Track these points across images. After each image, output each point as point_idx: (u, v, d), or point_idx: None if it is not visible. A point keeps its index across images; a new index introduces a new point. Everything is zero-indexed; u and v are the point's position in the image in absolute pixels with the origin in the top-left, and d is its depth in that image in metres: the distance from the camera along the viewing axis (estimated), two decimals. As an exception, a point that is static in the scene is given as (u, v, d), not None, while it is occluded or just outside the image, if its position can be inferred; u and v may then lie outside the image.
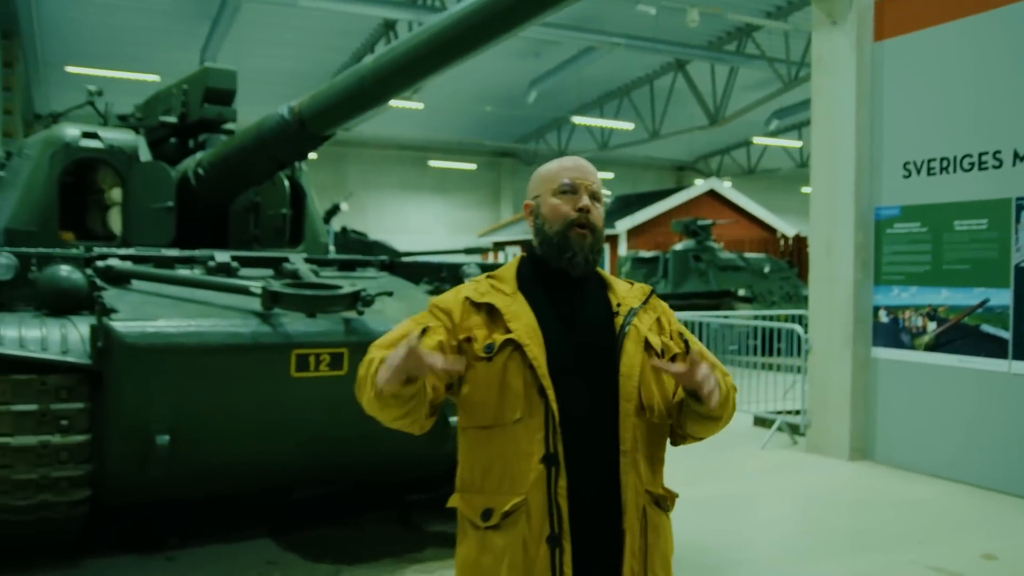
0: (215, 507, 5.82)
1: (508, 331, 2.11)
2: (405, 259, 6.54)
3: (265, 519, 5.64)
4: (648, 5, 15.86)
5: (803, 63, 18.41)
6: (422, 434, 2.23)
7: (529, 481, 2.06)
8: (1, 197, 6.29)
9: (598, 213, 2.22)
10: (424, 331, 2.10)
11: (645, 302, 2.27)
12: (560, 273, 2.21)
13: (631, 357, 2.15)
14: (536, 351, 2.08)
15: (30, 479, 3.96)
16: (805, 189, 33.63)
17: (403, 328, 2.19)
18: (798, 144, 29.61)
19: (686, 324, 9.95)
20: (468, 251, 7.71)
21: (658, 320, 2.27)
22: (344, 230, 20.13)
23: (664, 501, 2.24)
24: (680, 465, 7.64)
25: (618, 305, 2.22)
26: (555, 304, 2.20)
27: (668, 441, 2.33)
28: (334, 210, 18.59)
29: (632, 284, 2.32)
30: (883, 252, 7.70)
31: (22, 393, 3.95)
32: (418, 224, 30.46)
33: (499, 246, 28.43)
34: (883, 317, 7.67)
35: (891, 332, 7.60)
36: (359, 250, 8.22)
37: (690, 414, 2.20)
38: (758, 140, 28.43)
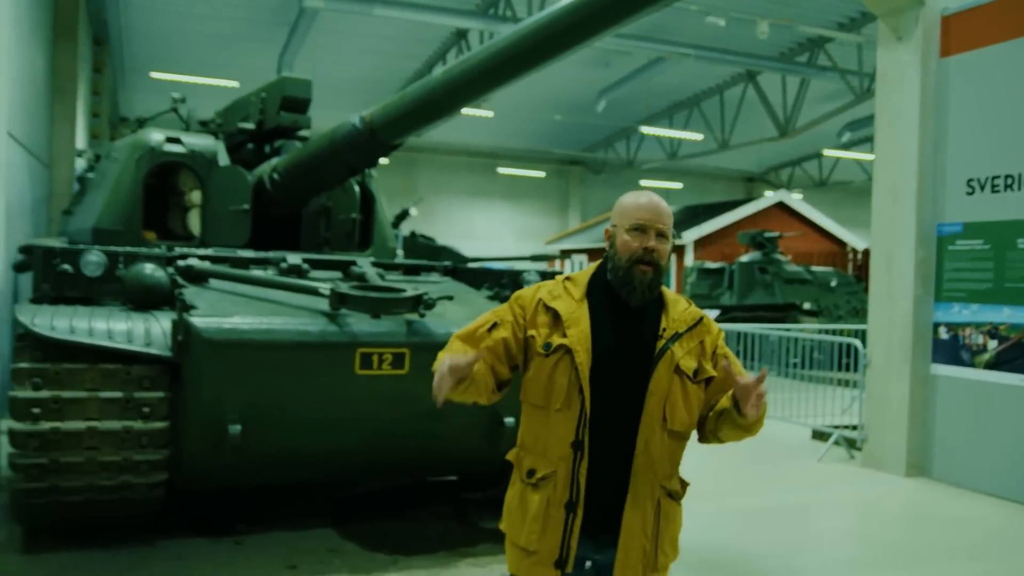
0: (280, 496, 6.12)
1: (565, 336, 2.50)
2: (470, 265, 6.71)
3: (327, 510, 5.90)
4: (717, 16, 15.86)
5: (876, 75, 18.15)
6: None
7: (560, 457, 2.51)
8: (91, 197, 6.68)
9: (663, 250, 2.54)
10: (494, 326, 2.58)
11: (692, 328, 2.57)
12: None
13: (660, 377, 2.50)
14: (583, 357, 2.47)
15: (114, 461, 4.28)
16: (877, 202, 33.21)
17: (482, 320, 2.64)
18: (871, 157, 29.08)
19: (746, 336, 9.99)
20: (534, 258, 7.85)
21: (701, 343, 2.59)
22: (413, 234, 20.44)
23: (677, 494, 2.65)
24: (735, 474, 7.79)
25: (664, 329, 2.55)
26: (612, 317, 2.55)
27: (698, 439, 2.74)
28: (403, 215, 18.89)
29: (689, 305, 2.63)
30: (944, 269, 7.67)
31: (109, 381, 4.27)
32: (486, 230, 30.74)
33: (566, 254, 28.57)
34: (943, 334, 7.64)
35: (951, 349, 7.57)
36: (427, 254, 8.39)
37: (729, 422, 2.56)
38: (829, 152, 28.04)
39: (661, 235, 2.53)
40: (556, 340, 2.50)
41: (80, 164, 12.67)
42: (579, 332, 2.49)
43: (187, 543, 5.11)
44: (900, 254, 7.88)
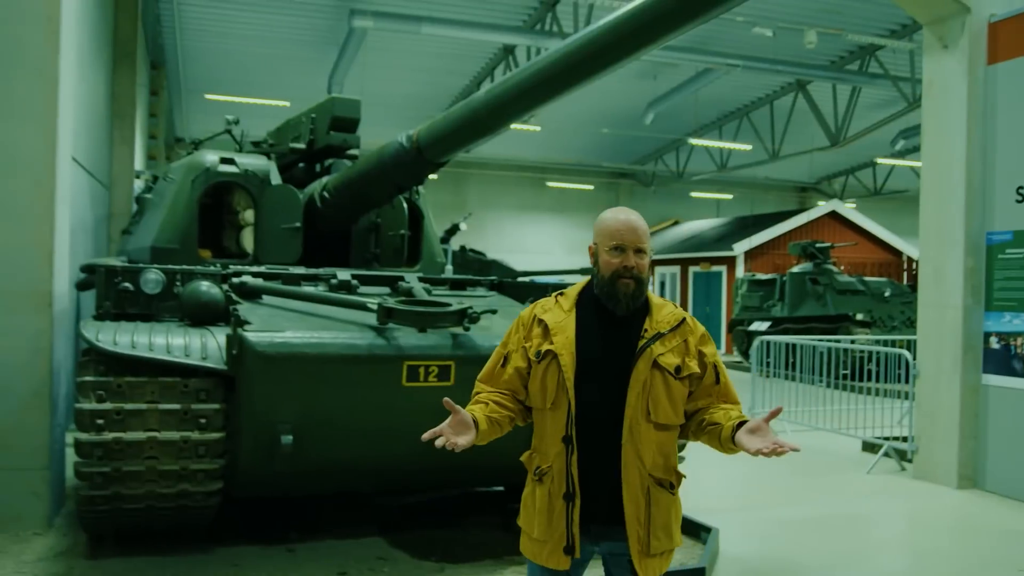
0: (330, 505, 6.27)
1: (552, 343, 2.79)
2: (520, 279, 6.75)
3: (376, 519, 6.04)
4: (764, 27, 15.81)
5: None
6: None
7: (554, 453, 2.78)
8: (149, 217, 6.92)
9: (642, 264, 2.80)
10: (505, 360, 2.92)
11: (675, 328, 2.81)
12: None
13: (639, 373, 2.74)
14: (567, 360, 2.75)
15: (172, 470, 4.46)
16: (934, 211, 32.57)
17: (495, 357, 2.98)
18: (926, 164, 28.61)
19: (794, 348, 9.92)
20: (584, 271, 7.90)
21: (685, 342, 2.83)
22: (463, 249, 20.67)
23: (667, 483, 2.81)
24: (784, 485, 7.79)
25: (645, 331, 2.79)
26: (598, 324, 2.83)
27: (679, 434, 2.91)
28: (453, 230, 19.11)
29: (675, 309, 2.88)
30: (994, 278, 7.59)
31: (168, 394, 4.46)
32: (536, 244, 30.85)
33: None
34: (994, 344, 7.56)
35: (1002, 359, 7.48)
36: (477, 269, 8.55)
37: (714, 437, 2.81)
38: (883, 161, 27.64)
39: (639, 251, 2.78)
40: (544, 347, 2.80)
41: (138, 185, 13.09)
42: (564, 339, 2.78)
43: (241, 550, 5.28)
44: (949, 263, 7.82)
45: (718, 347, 24.06)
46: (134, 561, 4.98)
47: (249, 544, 5.39)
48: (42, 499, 5.49)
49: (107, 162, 12.20)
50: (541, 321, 2.86)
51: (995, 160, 7.62)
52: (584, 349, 2.77)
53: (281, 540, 5.47)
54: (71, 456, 6.77)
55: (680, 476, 2.89)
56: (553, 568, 2.80)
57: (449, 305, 4.92)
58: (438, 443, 2.64)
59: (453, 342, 4.86)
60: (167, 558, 5.04)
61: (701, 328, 2.91)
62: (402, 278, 5.75)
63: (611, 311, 2.81)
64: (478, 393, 2.94)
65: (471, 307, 5.01)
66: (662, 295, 28.16)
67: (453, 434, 2.66)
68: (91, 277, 6.93)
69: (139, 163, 14.78)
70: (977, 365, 7.67)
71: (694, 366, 2.82)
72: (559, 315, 2.86)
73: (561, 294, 2.95)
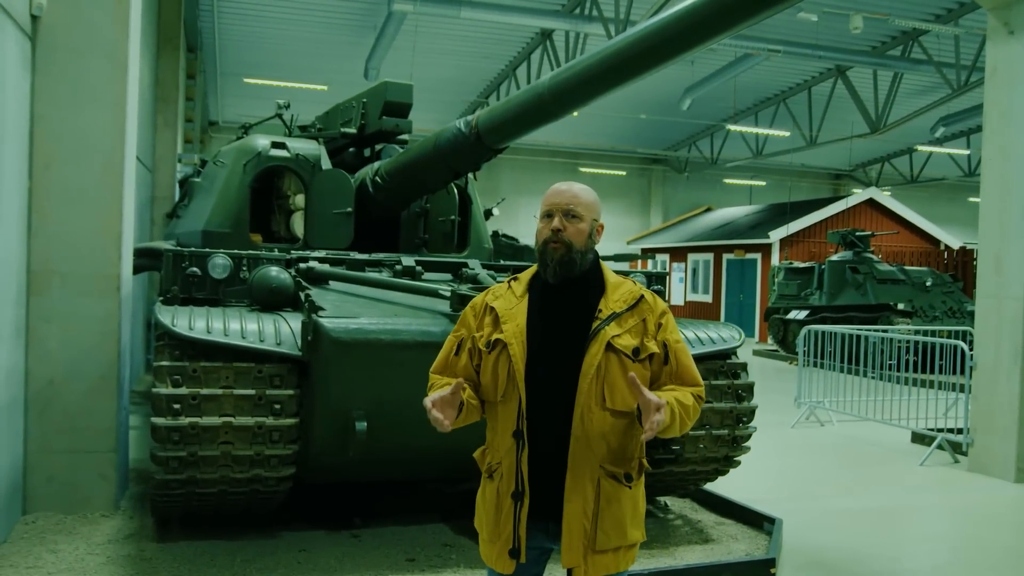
0: (391, 492, 6.28)
1: (502, 332, 2.65)
2: None
3: (438, 506, 6.04)
4: (810, 11, 15.60)
5: (975, 67, 17.61)
6: None
7: (504, 448, 2.64)
8: (198, 201, 6.93)
9: (573, 228, 2.64)
10: (457, 349, 2.78)
11: (631, 307, 2.64)
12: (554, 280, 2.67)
13: (592, 358, 2.57)
14: (517, 350, 2.60)
15: (247, 455, 4.46)
16: (973, 199, 32.18)
17: (447, 347, 2.84)
18: (965, 152, 28.26)
19: (840, 338, 9.79)
20: (616, 258, 7.82)
21: (644, 321, 2.65)
22: (496, 234, 20.61)
23: (621, 475, 2.63)
24: (836, 476, 7.73)
25: (600, 311, 2.62)
26: (549, 308, 2.66)
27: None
28: (486, 215, 19.11)
29: (634, 286, 2.69)
30: (1058, 268, 7.46)
31: (242, 379, 4.46)
32: (567, 229, 30.78)
33: (648, 252, 28.41)
34: (1056, 335, 7.43)
35: (1065, 351, 7.36)
36: (510, 254, 8.50)
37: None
38: (923, 148, 27.28)
39: (570, 215, 2.64)
40: (494, 336, 2.66)
41: (178, 168, 13.16)
42: (514, 327, 2.63)
43: (307, 535, 5.30)
44: (1009, 253, 7.69)
45: (752, 335, 23.90)
46: (203, 544, 5.01)
47: (313, 529, 5.40)
48: (109, 482, 5.53)
49: (150, 145, 12.27)
50: (492, 309, 2.72)
51: (1060, 149, 7.47)
52: (535, 337, 2.62)
53: (345, 526, 5.47)
54: (135, 440, 6.88)
55: (643, 467, 2.72)
56: (499, 572, 2.65)
57: (519, 292, 4.88)
58: (433, 415, 2.52)
59: (523, 329, 4.81)
60: (235, 542, 5.07)
61: (662, 305, 2.72)
62: (465, 264, 5.72)
63: (557, 293, 2.66)
64: (432, 384, 2.79)
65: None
66: (694, 283, 28.05)
67: (445, 406, 2.54)
68: (141, 260, 6.97)
69: (177, 147, 14.85)
70: (1038, 357, 7.55)
71: (654, 347, 2.64)
72: (510, 301, 2.71)
73: (515, 279, 2.79)
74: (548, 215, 2.67)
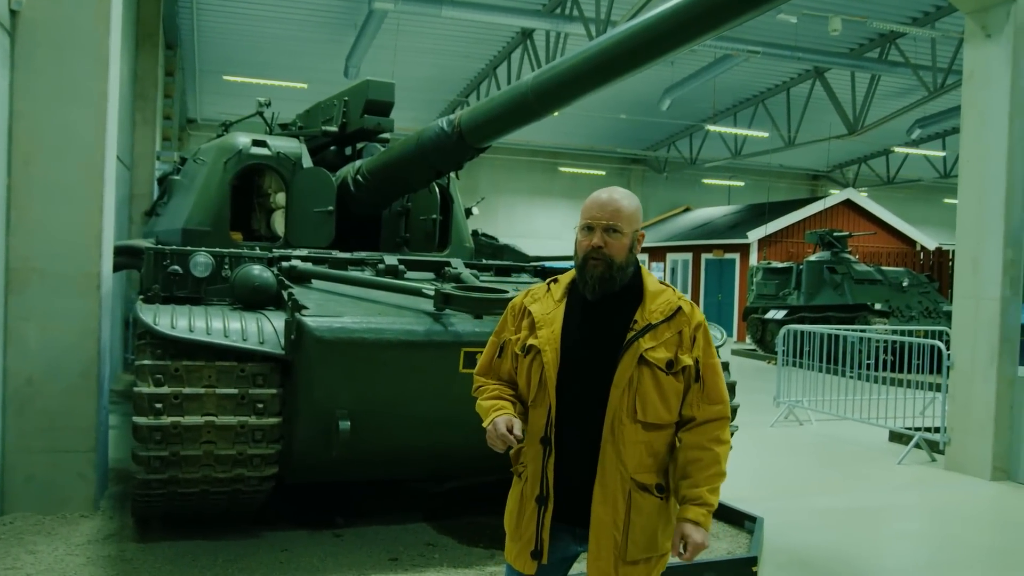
0: (374, 491, 6.26)
1: (537, 337, 2.63)
2: (532, 264, 6.68)
3: (420, 505, 6.03)
4: (789, 13, 15.69)
5: (951, 70, 17.79)
6: None
7: (531, 453, 2.64)
8: (178, 199, 6.87)
9: (615, 244, 2.59)
10: (501, 351, 2.78)
11: (668, 319, 2.59)
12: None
13: (624, 370, 2.54)
14: (550, 356, 2.59)
15: (229, 455, 4.44)
16: (948, 200, 32.50)
17: (490, 349, 2.84)
18: (941, 154, 28.55)
19: (818, 337, 9.82)
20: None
21: (679, 333, 2.60)
22: (475, 233, 20.57)
23: (653, 487, 2.60)
24: (816, 474, 7.78)
25: (635, 322, 2.58)
26: (586, 315, 2.64)
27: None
28: (466, 214, 19.08)
29: (673, 297, 2.64)
30: (1034, 270, 7.55)
31: (225, 378, 4.43)
32: (547, 228, 30.74)
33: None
34: (1032, 336, 7.53)
35: (1040, 351, 7.46)
36: (490, 253, 8.52)
37: (674, 482, 2.66)
38: (899, 149, 27.52)
39: (612, 231, 2.58)
40: (529, 341, 2.65)
41: (157, 166, 13.06)
42: (549, 332, 2.61)
43: (289, 535, 5.27)
44: (987, 255, 7.78)
45: (731, 335, 24.02)
46: (183, 544, 4.97)
47: (295, 529, 5.38)
48: (89, 482, 5.48)
49: (129, 143, 12.16)
50: (528, 312, 2.70)
51: (1036, 151, 7.56)
52: (569, 344, 2.59)
53: (327, 525, 5.45)
54: (115, 439, 6.81)
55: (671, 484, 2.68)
56: (520, 571, 2.66)
57: (505, 292, 4.87)
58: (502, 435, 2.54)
59: (507, 329, 4.81)
60: (216, 542, 5.03)
61: (699, 316, 2.65)
62: (448, 263, 5.71)
63: (595, 301, 2.62)
64: (481, 387, 2.79)
65: (524, 294, 4.96)
66: (673, 282, 28.13)
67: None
68: (120, 258, 6.90)
69: (156, 144, 14.73)
70: (1014, 357, 7.64)
71: (688, 359, 2.59)
72: (548, 305, 2.68)
73: (555, 280, 2.76)
74: (588, 228, 2.61)
